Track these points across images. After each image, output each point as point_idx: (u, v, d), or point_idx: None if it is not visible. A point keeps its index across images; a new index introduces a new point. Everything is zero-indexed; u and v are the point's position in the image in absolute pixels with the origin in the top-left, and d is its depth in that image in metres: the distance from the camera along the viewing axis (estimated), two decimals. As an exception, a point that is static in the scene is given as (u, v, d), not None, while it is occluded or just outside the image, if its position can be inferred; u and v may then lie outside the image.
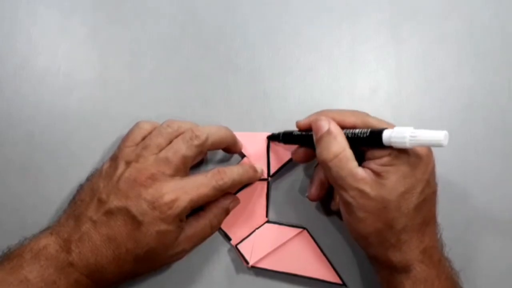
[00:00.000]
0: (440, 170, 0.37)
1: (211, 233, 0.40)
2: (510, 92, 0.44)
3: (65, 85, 0.43)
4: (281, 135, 0.41)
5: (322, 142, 0.36)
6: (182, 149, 0.36)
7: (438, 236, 0.37)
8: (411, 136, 0.32)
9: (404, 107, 0.44)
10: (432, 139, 0.31)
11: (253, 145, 0.42)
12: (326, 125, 0.36)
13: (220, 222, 0.40)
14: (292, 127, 0.43)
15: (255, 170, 0.41)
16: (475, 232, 0.43)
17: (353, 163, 0.35)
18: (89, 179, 0.39)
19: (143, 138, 0.38)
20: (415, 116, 0.44)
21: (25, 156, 0.42)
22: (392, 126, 0.35)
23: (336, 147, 0.35)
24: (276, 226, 0.42)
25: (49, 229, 0.37)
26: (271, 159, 0.42)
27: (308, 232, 0.42)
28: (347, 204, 0.35)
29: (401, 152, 0.34)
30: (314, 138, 0.37)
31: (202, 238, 0.39)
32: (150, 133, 0.39)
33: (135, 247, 0.35)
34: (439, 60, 0.45)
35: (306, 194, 0.41)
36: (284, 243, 0.41)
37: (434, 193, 0.36)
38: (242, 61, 0.44)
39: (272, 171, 0.42)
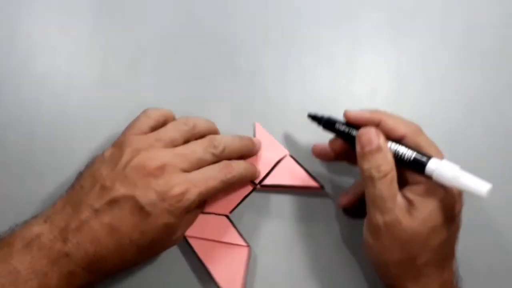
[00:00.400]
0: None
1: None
2: (510, 92, 0.44)
3: (65, 85, 0.43)
4: (324, 119, 0.39)
5: (371, 158, 0.34)
6: (199, 152, 0.36)
7: (455, 269, 0.36)
8: (454, 177, 0.31)
9: (404, 107, 0.44)
10: (474, 188, 0.30)
11: (268, 150, 0.42)
12: (376, 140, 0.34)
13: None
14: (292, 127, 0.43)
15: (254, 143, 0.40)
16: (475, 232, 0.42)
17: (396, 186, 0.33)
18: (88, 165, 0.37)
19: (151, 128, 0.37)
20: (415, 116, 0.43)
21: (25, 156, 0.42)
22: (439, 153, 0.34)
23: (386, 166, 0.33)
24: None
25: (42, 216, 0.35)
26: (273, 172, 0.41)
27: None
28: (376, 228, 0.34)
29: (438, 185, 0.33)
30: (360, 149, 0.34)
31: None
32: (157, 122, 0.38)
33: (140, 238, 0.34)
34: (439, 60, 0.45)
35: (337, 202, 0.40)
36: None
37: (458, 229, 0.35)
38: (242, 61, 0.44)
39: (264, 181, 0.41)
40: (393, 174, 0.33)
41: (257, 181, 0.41)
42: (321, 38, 0.45)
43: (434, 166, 0.32)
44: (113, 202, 0.34)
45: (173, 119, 0.39)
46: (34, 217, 0.35)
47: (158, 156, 0.35)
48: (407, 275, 0.34)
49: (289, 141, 0.43)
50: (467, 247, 0.42)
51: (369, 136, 0.34)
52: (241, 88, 0.44)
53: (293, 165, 0.42)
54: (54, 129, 0.43)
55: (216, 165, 0.37)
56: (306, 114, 0.43)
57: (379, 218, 0.33)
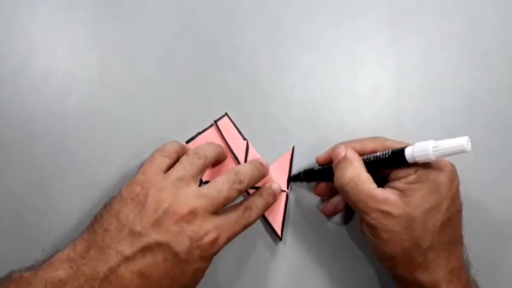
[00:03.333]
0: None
1: None
2: (510, 92, 0.44)
3: (65, 85, 0.43)
4: (302, 174, 0.42)
5: (339, 167, 0.37)
6: (225, 190, 0.36)
7: (465, 257, 0.37)
8: (433, 148, 0.32)
9: (405, 107, 0.44)
10: (455, 146, 0.32)
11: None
12: (342, 152, 0.37)
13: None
14: (292, 127, 0.43)
15: (274, 194, 0.40)
16: (475, 232, 0.42)
17: (370, 185, 0.35)
18: (107, 206, 0.35)
19: (169, 167, 0.37)
20: (415, 116, 0.44)
21: (25, 156, 0.42)
22: (411, 145, 0.35)
23: (351, 172, 0.36)
24: None
25: (66, 259, 0.32)
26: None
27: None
28: (371, 226, 0.35)
29: (426, 170, 0.34)
30: (333, 165, 0.38)
31: None
32: (174, 160, 0.37)
33: (170, 285, 0.33)
34: (440, 60, 0.45)
35: (321, 207, 0.41)
36: None
37: (459, 211, 0.36)
38: (242, 61, 0.44)
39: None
40: (360, 177, 0.35)
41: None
42: (321, 38, 0.45)
43: (411, 150, 0.34)
44: (146, 249, 0.33)
45: (185, 151, 0.39)
46: (57, 255, 0.33)
47: (187, 200, 0.34)
48: (414, 262, 0.35)
49: (289, 141, 0.43)
50: (466, 245, 0.43)
51: (337, 151, 0.37)
52: (241, 88, 0.44)
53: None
54: (53, 129, 0.43)
55: (240, 209, 0.37)
56: (306, 114, 0.44)
57: (368, 218, 0.35)
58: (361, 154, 0.37)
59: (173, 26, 0.44)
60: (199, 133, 0.43)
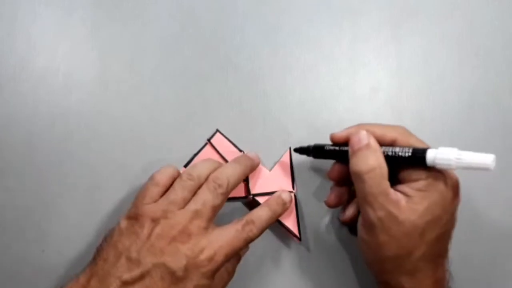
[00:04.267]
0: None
1: (229, 279, 0.39)
2: (511, 92, 0.44)
3: (65, 85, 0.43)
4: (311, 148, 0.40)
5: (360, 154, 0.35)
6: (210, 199, 0.36)
7: (447, 267, 0.36)
8: (457, 158, 0.31)
9: (405, 107, 0.44)
10: (479, 162, 0.31)
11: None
12: (365, 138, 0.35)
13: (234, 269, 0.39)
14: (291, 128, 0.43)
15: (283, 203, 0.40)
16: (475, 232, 0.42)
17: (387, 182, 0.34)
18: (107, 239, 0.36)
19: (161, 194, 0.37)
20: (415, 116, 0.44)
21: (25, 157, 0.42)
22: (429, 146, 0.34)
23: (374, 161, 0.34)
24: None
25: None
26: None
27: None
28: (371, 224, 0.34)
29: (436, 179, 0.33)
30: (350, 150, 0.35)
31: (221, 285, 0.38)
32: (166, 188, 0.38)
33: None
34: (440, 59, 0.45)
35: (324, 199, 0.41)
36: None
37: (453, 227, 0.36)
38: (242, 61, 0.44)
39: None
40: (382, 170, 0.34)
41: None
42: (321, 38, 0.45)
43: (434, 154, 0.32)
44: (145, 274, 0.34)
45: (178, 174, 0.39)
46: None
47: (177, 221, 0.35)
48: (402, 269, 0.34)
49: (289, 141, 0.43)
50: (467, 248, 0.43)
51: (359, 136, 0.35)
52: (241, 88, 0.44)
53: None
54: (53, 129, 0.43)
55: (239, 224, 0.37)
56: (306, 114, 0.44)
57: (372, 215, 0.34)
58: (380, 140, 0.35)
59: (173, 26, 0.44)
60: (195, 155, 0.43)
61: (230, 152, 0.42)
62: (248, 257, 0.41)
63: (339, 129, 0.43)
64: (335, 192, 0.40)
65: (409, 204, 0.33)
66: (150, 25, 0.44)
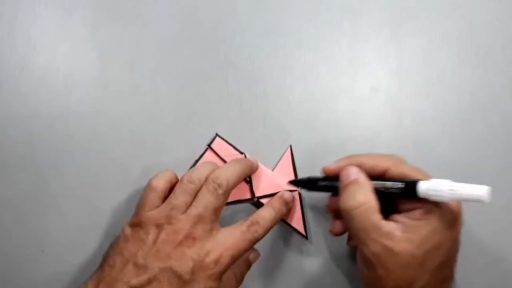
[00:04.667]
0: (441, 171, 0.36)
1: (237, 286, 0.39)
2: (511, 92, 0.44)
3: (65, 85, 0.43)
4: (304, 181, 0.41)
5: (348, 190, 0.35)
6: (211, 201, 0.36)
7: None
8: (450, 190, 0.31)
9: (405, 107, 0.44)
10: (473, 194, 0.30)
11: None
12: (354, 174, 0.35)
13: (243, 276, 0.39)
14: (291, 128, 0.43)
15: (286, 203, 0.40)
16: (475, 232, 0.42)
17: (377, 216, 0.33)
18: (113, 246, 0.37)
19: (162, 199, 0.38)
20: (415, 116, 0.44)
21: (25, 156, 0.42)
22: (426, 175, 0.34)
23: (362, 196, 0.34)
24: None
25: None
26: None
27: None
28: (368, 260, 0.33)
29: (434, 207, 0.33)
30: (340, 186, 0.36)
31: None
32: (165, 192, 0.38)
33: None
34: (440, 60, 0.45)
35: (329, 228, 0.40)
36: None
37: (457, 251, 0.35)
38: (242, 61, 0.44)
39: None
40: (370, 205, 0.34)
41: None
42: (321, 38, 0.45)
43: (426, 186, 0.32)
44: (152, 279, 0.34)
45: (176, 179, 0.39)
46: None
47: (181, 226, 0.35)
48: None
49: (289, 141, 0.43)
50: (467, 248, 0.43)
51: (348, 172, 0.35)
52: (241, 88, 0.44)
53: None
54: (53, 129, 0.43)
55: (244, 225, 0.37)
56: (306, 114, 0.44)
57: (367, 251, 0.33)
58: (372, 172, 0.36)
59: (173, 26, 0.44)
60: (197, 161, 0.43)
61: (231, 156, 0.42)
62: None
63: (339, 129, 0.43)
64: (339, 220, 0.39)
65: (405, 234, 0.33)
66: (150, 25, 0.44)
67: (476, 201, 0.30)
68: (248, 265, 0.40)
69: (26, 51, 0.43)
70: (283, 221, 0.42)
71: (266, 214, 0.39)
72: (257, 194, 0.42)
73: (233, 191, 0.41)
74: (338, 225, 0.39)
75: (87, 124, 0.43)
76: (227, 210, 0.42)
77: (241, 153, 0.43)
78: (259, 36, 0.45)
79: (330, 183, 0.38)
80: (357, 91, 0.44)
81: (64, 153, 0.43)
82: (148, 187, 0.38)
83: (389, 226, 0.33)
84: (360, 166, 0.36)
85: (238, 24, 0.45)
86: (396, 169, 0.35)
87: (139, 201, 0.38)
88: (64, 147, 0.43)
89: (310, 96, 0.44)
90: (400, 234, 0.32)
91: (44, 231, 0.42)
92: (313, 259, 0.42)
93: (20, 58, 0.43)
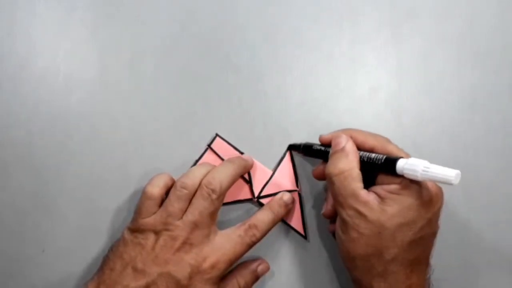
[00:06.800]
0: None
1: None
2: (510, 92, 0.44)
3: (65, 85, 0.43)
4: (302, 145, 0.42)
5: (334, 156, 0.37)
6: (205, 207, 0.37)
7: (427, 276, 0.37)
8: (423, 170, 0.32)
9: (405, 107, 0.44)
10: (443, 175, 0.31)
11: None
12: (343, 142, 0.37)
13: (247, 285, 0.40)
14: (291, 128, 0.43)
15: (285, 205, 0.41)
16: (475, 232, 0.42)
17: (357, 184, 0.35)
18: (113, 249, 0.38)
19: (159, 205, 0.38)
20: (415, 116, 0.44)
21: (25, 156, 0.42)
22: (408, 156, 0.35)
23: (344, 164, 0.36)
24: None
25: None
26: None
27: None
28: (344, 222, 0.35)
29: (412, 185, 0.34)
30: (330, 152, 0.37)
31: None
32: (161, 198, 0.38)
33: None
34: (440, 60, 0.45)
35: (322, 211, 0.41)
36: None
37: (433, 234, 0.36)
38: (242, 61, 0.44)
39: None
40: (351, 172, 0.35)
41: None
42: (321, 38, 0.45)
43: (403, 163, 0.34)
44: (150, 284, 0.35)
45: (172, 182, 0.40)
46: None
47: (179, 233, 0.36)
48: (373, 270, 0.35)
49: (289, 141, 0.43)
50: (467, 249, 0.43)
51: (338, 140, 0.37)
52: (241, 88, 0.44)
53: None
54: (53, 129, 0.43)
55: (242, 229, 0.38)
56: (306, 114, 0.44)
57: (343, 213, 0.35)
58: (360, 147, 0.37)
59: (173, 26, 0.44)
60: (197, 161, 0.43)
61: (231, 156, 0.42)
62: (251, 254, 0.41)
63: (339, 129, 0.43)
64: (330, 203, 0.40)
65: (380, 205, 0.34)
66: (150, 25, 0.44)
67: (445, 183, 0.31)
68: (255, 276, 0.40)
69: (26, 51, 0.43)
70: (282, 221, 0.42)
71: (264, 217, 0.39)
72: (257, 194, 0.42)
73: (233, 191, 0.41)
74: (329, 208, 0.40)
75: (87, 124, 0.43)
76: (227, 210, 0.42)
77: (241, 153, 0.43)
78: (259, 36, 0.45)
79: (324, 148, 0.39)
80: (357, 91, 0.44)
81: (64, 153, 0.43)
82: (144, 194, 0.38)
83: (367, 196, 0.35)
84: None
85: (238, 24, 0.45)
86: (382, 148, 0.37)
87: (136, 208, 0.39)
88: (64, 147, 0.43)
89: (310, 96, 0.44)
90: (376, 204, 0.34)
91: (44, 231, 0.42)
92: (313, 259, 0.43)
93: (20, 58, 0.43)
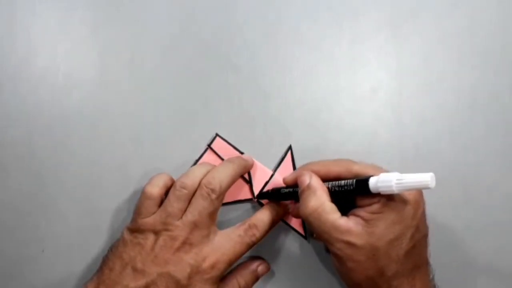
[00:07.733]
0: (441, 171, 0.37)
1: None
2: (511, 92, 0.44)
3: (65, 85, 0.43)
4: (269, 192, 0.41)
5: (302, 197, 0.36)
6: (205, 207, 0.37)
7: (430, 277, 0.37)
8: (397, 182, 0.31)
9: (405, 107, 0.44)
10: (418, 182, 0.31)
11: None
12: (307, 179, 0.36)
13: (247, 285, 0.40)
14: (291, 128, 0.43)
15: (285, 205, 0.41)
16: (475, 232, 0.42)
17: (333, 216, 0.35)
18: (112, 250, 0.38)
19: (158, 205, 0.38)
20: (415, 116, 0.44)
21: (24, 156, 0.42)
22: (378, 170, 0.35)
23: (314, 201, 0.35)
24: None
25: None
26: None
27: None
28: (336, 256, 0.35)
29: (390, 200, 0.34)
30: (299, 193, 0.37)
31: None
32: (161, 198, 0.38)
33: None
34: (440, 59, 0.45)
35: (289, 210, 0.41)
36: None
37: (425, 236, 0.36)
38: (242, 61, 0.44)
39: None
40: (323, 207, 0.35)
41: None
42: (321, 38, 0.45)
43: (375, 181, 0.33)
44: (150, 284, 0.35)
45: (171, 181, 0.40)
46: None
47: (178, 232, 0.36)
48: None
49: (289, 141, 0.43)
50: (467, 249, 0.43)
51: (302, 178, 0.37)
52: (241, 88, 0.44)
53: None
54: (53, 129, 0.43)
55: (241, 229, 0.38)
56: (306, 114, 0.44)
57: (333, 248, 0.35)
58: (326, 178, 0.37)
59: (173, 26, 0.44)
60: (197, 161, 0.43)
61: (231, 155, 0.42)
62: (251, 254, 0.41)
63: (339, 129, 0.43)
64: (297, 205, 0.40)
65: (366, 228, 0.34)
66: (150, 25, 0.44)
67: (423, 188, 0.31)
68: (255, 276, 0.40)
69: (26, 51, 0.43)
70: (282, 221, 0.42)
71: (264, 217, 0.39)
72: (257, 194, 0.42)
73: (233, 191, 0.41)
74: (295, 209, 0.40)
75: (87, 124, 0.43)
76: (227, 210, 0.42)
77: (241, 153, 0.43)
78: (259, 36, 0.45)
79: (293, 189, 0.39)
80: (357, 91, 0.44)
81: (64, 153, 0.43)
82: (143, 194, 0.38)
83: (347, 223, 0.34)
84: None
85: (238, 24, 0.45)
86: (348, 172, 0.36)
87: (136, 208, 0.38)
88: (64, 147, 0.43)
89: (310, 96, 0.44)
90: (360, 228, 0.34)
91: (44, 231, 0.42)
92: (313, 259, 0.43)
93: (20, 58, 0.43)
